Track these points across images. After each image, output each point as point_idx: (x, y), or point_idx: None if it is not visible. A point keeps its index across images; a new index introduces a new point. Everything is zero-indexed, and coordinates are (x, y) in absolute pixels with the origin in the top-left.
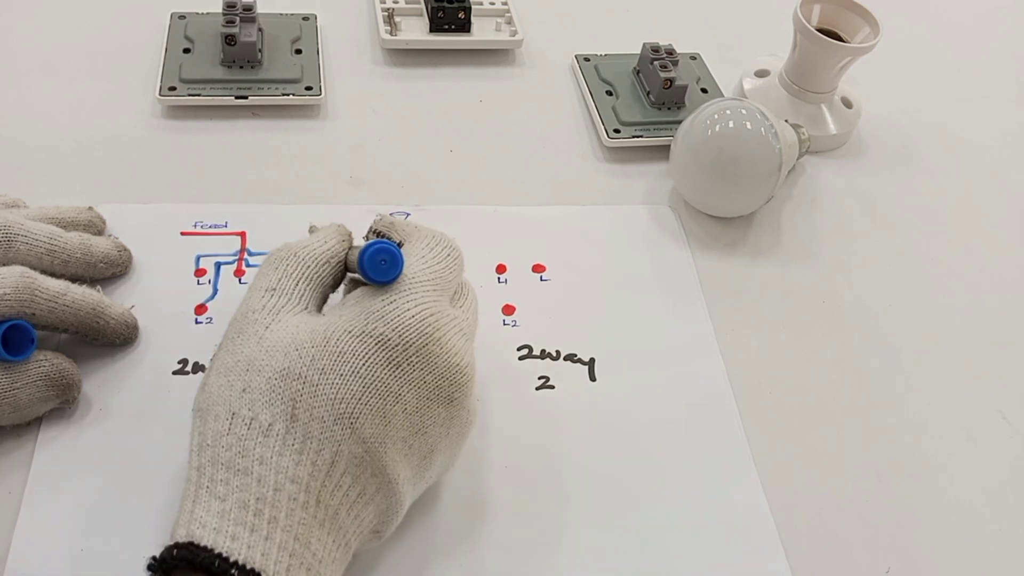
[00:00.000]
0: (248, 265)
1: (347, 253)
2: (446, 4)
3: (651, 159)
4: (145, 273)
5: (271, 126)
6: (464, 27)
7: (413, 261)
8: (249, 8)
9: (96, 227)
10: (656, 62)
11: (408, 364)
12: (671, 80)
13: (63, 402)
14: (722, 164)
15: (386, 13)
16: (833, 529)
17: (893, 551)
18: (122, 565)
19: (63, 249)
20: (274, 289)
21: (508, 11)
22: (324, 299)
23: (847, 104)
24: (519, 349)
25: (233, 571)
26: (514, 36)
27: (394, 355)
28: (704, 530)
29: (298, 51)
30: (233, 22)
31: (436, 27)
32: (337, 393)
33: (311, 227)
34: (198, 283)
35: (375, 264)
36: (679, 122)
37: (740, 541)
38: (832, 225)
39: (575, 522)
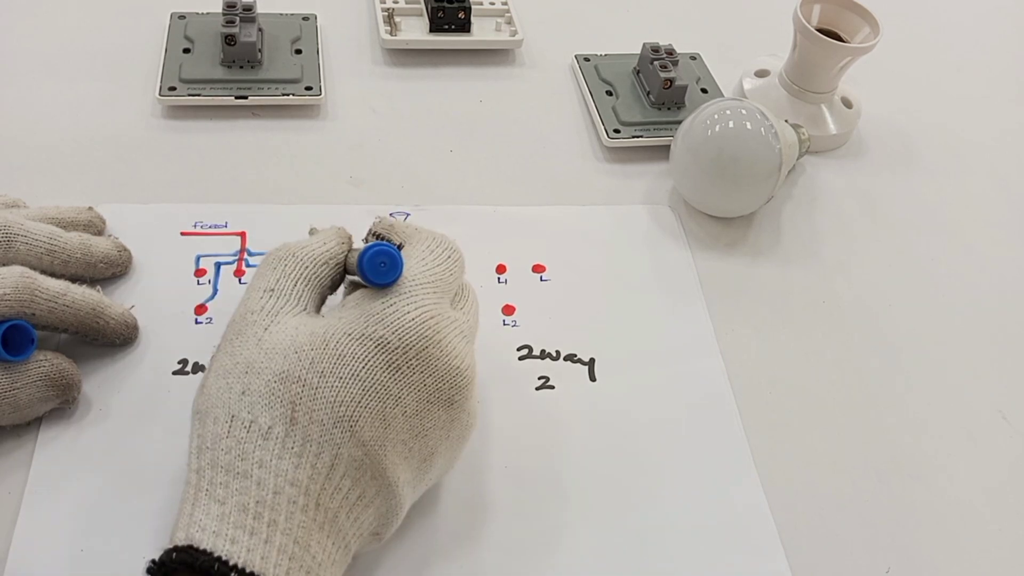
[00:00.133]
0: (248, 265)
1: (347, 256)
2: (446, 4)
3: (651, 159)
4: (145, 273)
5: (271, 126)
6: (464, 27)
7: (413, 263)
8: (249, 8)
9: (96, 227)
10: (656, 62)
11: (408, 367)
12: (671, 80)
13: (63, 402)
14: (722, 164)
15: (386, 13)
16: (833, 529)
17: (893, 551)
18: (122, 565)
19: (63, 249)
20: (272, 290)
21: (508, 11)
22: (322, 300)
23: (847, 104)
24: (519, 349)
25: (232, 574)
26: (514, 36)
27: (394, 358)
28: (704, 530)
29: (298, 51)
30: (233, 22)
31: (436, 27)
32: (337, 396)
33: (311, 229)
34: (198, 283)
35: (374, 266)
36: (679, 122)
37: (740, 541)
38: (832, 225)
39: (575, 522)
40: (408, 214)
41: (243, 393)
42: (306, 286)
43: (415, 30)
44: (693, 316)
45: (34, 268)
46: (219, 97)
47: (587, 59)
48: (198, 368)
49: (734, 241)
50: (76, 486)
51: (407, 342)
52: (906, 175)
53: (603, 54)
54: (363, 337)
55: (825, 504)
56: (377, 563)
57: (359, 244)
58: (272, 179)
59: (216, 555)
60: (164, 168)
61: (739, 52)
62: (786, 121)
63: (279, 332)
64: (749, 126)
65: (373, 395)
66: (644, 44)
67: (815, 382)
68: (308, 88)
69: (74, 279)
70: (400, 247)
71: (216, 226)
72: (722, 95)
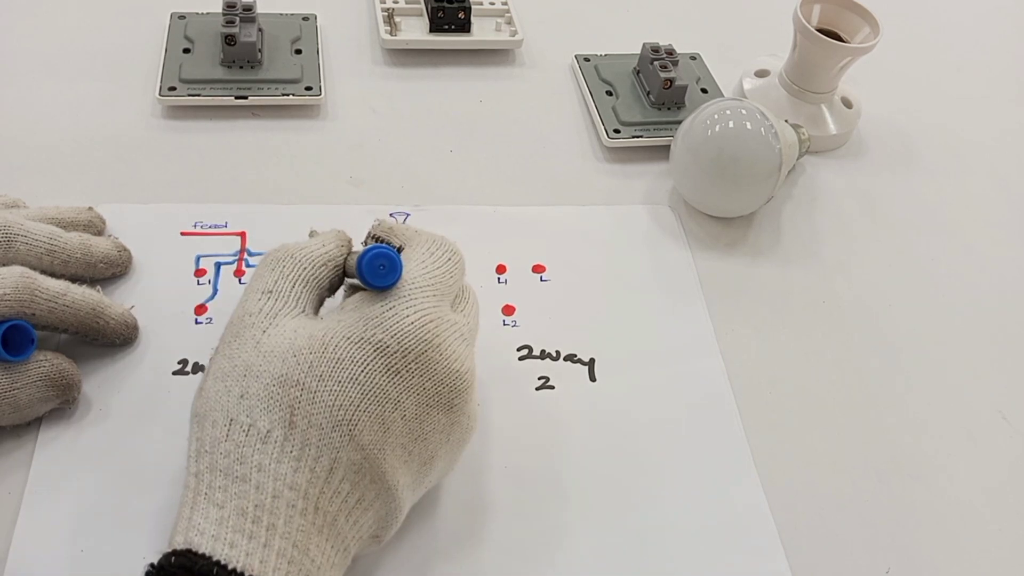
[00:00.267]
0: (248, 265)
1: (346, 259)
2: (446, 4)
3: (651, 159)
4: (145, 273)
5: (271, 126)
6: (464, 27)
7: (413, 266)
8: (249, 8)
9: (96, 227)
10: (656, 62)
11: (407, 371)
12: (671, 80)
13: (63, 402)
14: (722, 164)
15: (386, 13)
16: (833, 529)
17: (893, 551)
18: (122, 565)
19: (63, 249)
20: (270, 291)
21: (508, 11)
22: (320, 302)
23: (847, 104)
24: (519, 349)
25: None
26: (514, 36)
27: (393, 362)
28: (704, 530)
29: (298, 51)
30: (233, 22)
31: (436, 27)
32: (335, 400)
33: (311, 232)
34: (198, 283)
35: (374, 269)
36: (679, 122)
37: (740, 541)
38: (832, 225)
39: (575, 522)
40: (408, 214)
41: (242, 396)
42: (304, 288)
43: (415, 30)
44: (693, 316)
45: (34, 268)
46: (219, 97)
47: (587, 59)
48: (198, 368)
49: (734, 241)
50: (76, 486)
51: (406, 346)
52: (906, 175)
53: (603, 54)
54: (362, 341)
55: (825, 504)
56: (377, 564)
57: (358, 247)
58: (272, 179)
59: (215, 559)
60: (164, 168)
61: (739, 52)
62: (786, 121)
63: (277, 335)
64: (749, 126)
65: (372, 399)
66: (644, 44)
67: (815, 382)
68: (308, 88)
69: (74, 279)
70: (400, 250)
71: (216, 226)
72: (722, 95)
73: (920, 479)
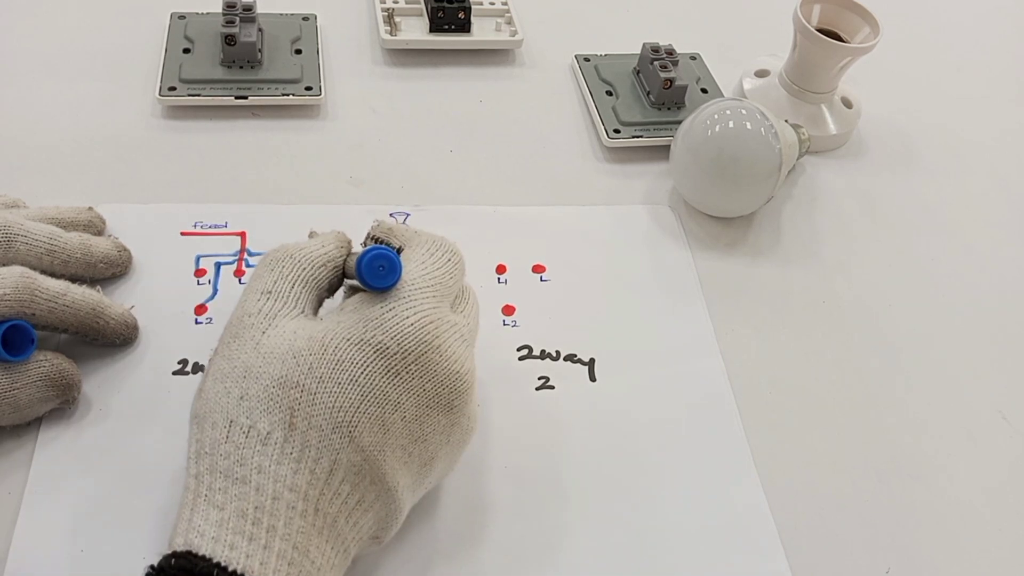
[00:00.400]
0: (248, 265)
1: (345, 260)
2: (446, 4)
3: (651, 159)
4: (145, 273)
5: (271, 126)
6: (464, 27)
7: (412, 267)
8: (249, 8)
9: (96, 227)
10: (656, 62)
11: (407, 372)
12: (671, 80)
13: (63, 402)
14: (722, 164)
15: (386, 13)
16: (833, 529)
17: (893, 551)
18: (122, 565)
19: (63, 249)
20: (270, 292)
21: (508, 11)
22: (320, 303)
23: (847, 104)
24: (519, 349)
25: None
26: (514, 36)
27: (393, 363)
28: (704, 530)
29: (298, 51)
30: (233, 22)
31: (436, 27)
32: (335, 402)
33: (311, 233)
34: (198, 283)
35: (373, 270)
36: (679, 122)
37: (740, 541)
38: (832, 225)
39: (575, 522)
40: (408, 214)
41: (241, 398)
42: (304, 288)
43: (415, 30)
44: (693, 316)
45: (34, 268)
46: (219, 97)
47: (587, 59)
48: (198, 368)
49: (734, 241)
50: (76, 486)
51: (406, 347)
52: (906, 175)
53: (603, 54)
54: (362, 342)
55: (825, 504)
56: (377, 564)
57: (358, 248)
58: (272, 179)
59: (215, 561)
60: (164, 168)
61: (739, 52)
62: (786, 121)
63: (277, 336)
64: (749, 126)
65: (372, 401)
66: (644, 44)
67: (815, 382)
68: (308, 88)
69: (74, 279)
70: (399, 250)
71: (216, 226)
72: (722, 95)
73: (920, 479)
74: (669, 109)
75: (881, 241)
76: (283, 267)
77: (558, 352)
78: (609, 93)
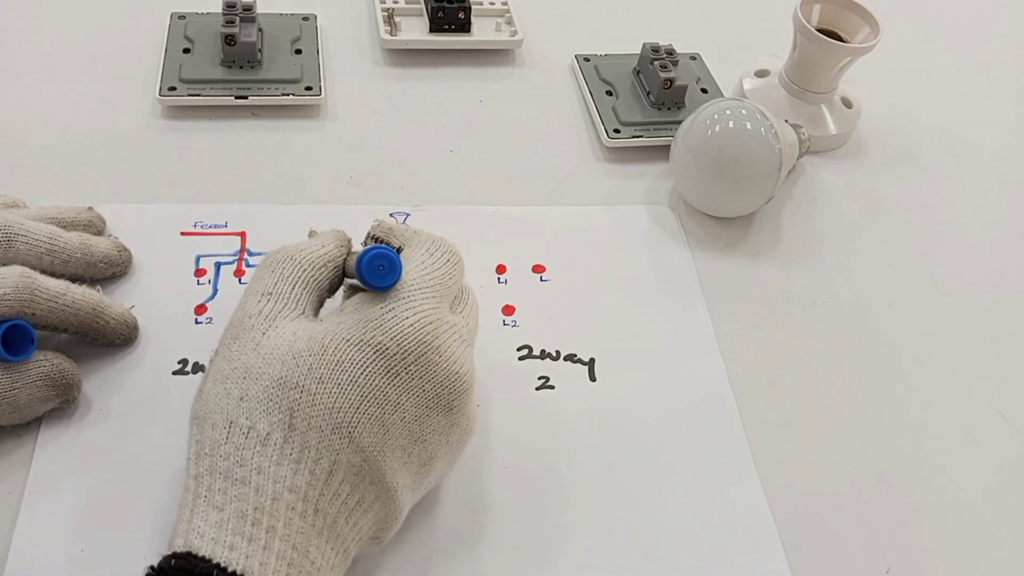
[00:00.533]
0: (248, 265)
1: (345, 259)
2: (446, 4)
3: (651, 159)
4: (145, 273)
5: (271, 126)
6: (464, 27)
7: (412, 267)
8: (249, 8)
9: (96, 227)
10: (656, 62)
11: (406, 373)
12: (671, 80)
13: (63, 402)
14: (722, 164)
15: (386, 13)
16: (833, 529)
17: (893, 551)
18: (122, 565)
19: (63, 249)
20: (270, 293)
21: (508, 11)
22: (320, 303)
23: (847, 104)
24: (519, 349)
25: None
26: (514, 36)
27: (392, 364)
28: (704, 530)
29: (298, 51)
30: (233, 22)
31: (436, 27)
32: (335, 402)
33: (310, 232)
34: (198, 283)
35: (373, 270)
36: (679, 122)
37: (740, 541)
38: (832, 225)
39: (575, 522)
40: (408, 214)
41: (241, 399)
42: (304, 289)
43: (415, 30)
44: (693, 316)
45: (34, 268)
46: (219, 97)
47: (587, 59)
48: (198, 368)
49: (734, 241)
50: (76, 486)
51: (406, 348)
52: (906, 175)
53: (603, 54)
54: (362, 343)
55: (825, 504)
56: (377, 564)
57: (358, 247)
58: (272, 179)
59: (215, 562)
60: (164, 168)
61: (739, 52)
62: (786, 121)
63: (277, 337)
64: (749, 126)
65: (372, 401)
66: (644, 44)
67: (815, 382)
68: (308, 88)
69: (74, 279)
70: (399, 250)
71: (216, 226)
72: (722, 95)
73: (920, 479)
74: (669, 109)
75: (881, 241)
76: (284, 269)
77: (558, 352)
78: (609, 93)
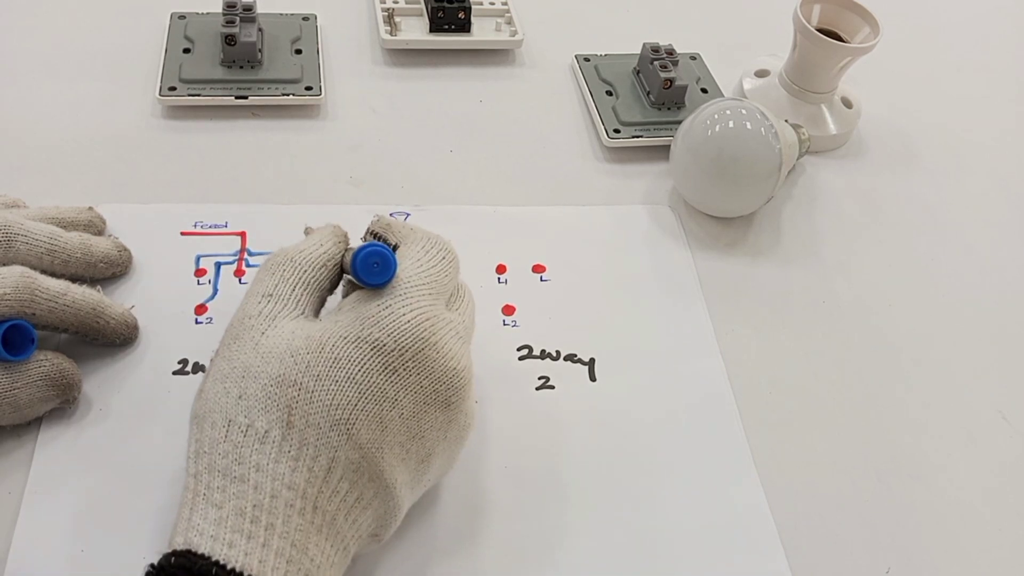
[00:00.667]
0: (248, 265)
1: (343, 255)
2: (446, 4)
3: (651, 159)
4: (145, 273)
5: (271, 126)
6: (464, 27)
7: (408, 264)
8: (249, 8)
9: (96, 227)
10: (656, 62)
11: (404, 369)
12: (671, 80)
13: (63, 402)
14: (722, 164)
15: (386, 13)
16: (833, 529)
17: (893, 551)
18: (122, 565)
19: (63, 249)
20: (270, 295)
21: (508, 11)
22: (321, 303)
23: (847, 104)
24: (519, 349)
25: None
26: (514, 36)
27: (390, 360)
28: (704, 530)
29: (298, 51)
30: (233, 22)
31: (436, 27)
32: (333, 399)
33: (306, 228)
34: (198, 283)
35: (367, 267)
36: (679, 122)
37: (740, 541)
38: (832, 225)
39: (575, 522)
40: (408, 214)
41: (240, 397)
42: (304, 290)
43: (415, 30)
44: (693, 316)
45: (34, 268)
46: (219, 97)
47: (587, 59)
48: (198, 368)
49: (734, 241)
50: (76, 486)
51: (403, 344)
52: (906, 175)
53: (603, 54)
54: (359, 340)
55: (825, 504)
56: (377, 564)
57: (357, 243)
58: (272, 179)
59: (214, 559)
60: (164, 168)
61: (739, 52)
62: (786, 121)
63: (276, 336)
64: (749, 126)
65: (369, 398)
66: (644, 44)
67: (815, 382)
68: (308, 88)
69: (74, 279)
70: (395, 248)
71: (216, 226)
72: (722, 95)
73: (920, 479)
74: (669, 109)
75: (881, 241)
76: (284, 270)
77: (558, 352)
78: (609, 93)
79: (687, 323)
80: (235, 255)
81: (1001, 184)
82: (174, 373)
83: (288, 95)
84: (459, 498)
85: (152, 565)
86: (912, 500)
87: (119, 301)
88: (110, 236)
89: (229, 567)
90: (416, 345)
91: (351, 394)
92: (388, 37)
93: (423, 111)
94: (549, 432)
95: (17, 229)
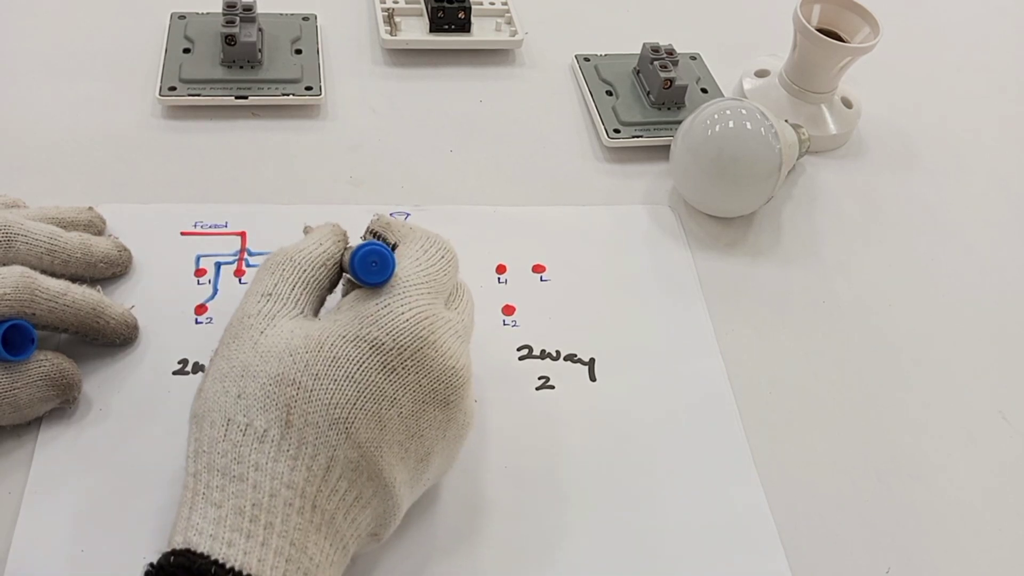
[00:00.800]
0: (248, 265)
1: (343, 254)
2: (446, 4)
3: (651, 159)
4: (145, 273)
5: (271, 126)
6: (464, 27)
7: (407, 263)
8: (249, 8)
9: (96, 227)
10: (656, 62)
11: (403, 368)
12: (671, 80)
13: (63, 402)
14: (722, 164)
15: (386, 13)
16: (833, 529)
17: (893, 551)
18: (122, 565)
19: (63, 249)
20: (270, 294)
21: (508, 11)
22: (321, 302)
23: (847, 104)
24: (519, 349)
25: None
26: (514, 36)
27: (388, 359)
28: (704, 530)
29: (298, 51)
30: (233, 22)
31: (436, 27)
32: (331, 398)
33: (305, 227)
34: (198, 283)
35: (366, 266)
36: (679, 122)
37: (740, 541)
38: (832, 225)
39: (575, 522)
40: (408, 214)
41: (239, 396)
42: (304, 290)
43: (415, 30)
44: (693, 316)
45: (34, 268)
46: (219, 97)
47: (587, 59)
48: (198, 368)
49: (734, 241)
50: (76, 486)
51: (401, 343)
52: (906, 175)
53: (603, 54)
54: (357, 339)
55: (825, 504)
56: (376, 563)
57: (357, 242)
58: (272, 179)
59: (213, 558)
60: (164, 168)
61: (739, 52)
62: (786, 121)
63: (275, 335)
64: (749, 126)
65: (368, 397)
66: (644, 44)
67: (815, 382)
68: (308, 88)
69: (74, 279)
70: (394, 246)
71: (216, 226)
72: (722, 95)
73: (920, 479)
74: (669, 109)
75: (881, 241)
76: (283, 270)
77: (558, 352)
78: (609, 93)
79: (687, 323)
80: (235, 255)
81: (1001, 184)
82: (174, 373)
83: (288, 95)
84: (459, 498)
85: (152, 564)
86: (912, 500)
87: (119, 301)
88: (110, 236)
89: (228, 566)
90: (415, 344)
91: (350, 393)
92: (388, 37)
93: (423, 111)
94: (549, 432)
95: (17, 229)
